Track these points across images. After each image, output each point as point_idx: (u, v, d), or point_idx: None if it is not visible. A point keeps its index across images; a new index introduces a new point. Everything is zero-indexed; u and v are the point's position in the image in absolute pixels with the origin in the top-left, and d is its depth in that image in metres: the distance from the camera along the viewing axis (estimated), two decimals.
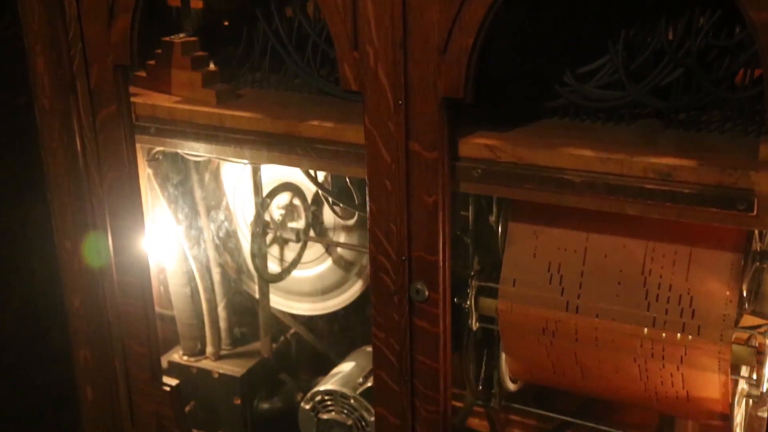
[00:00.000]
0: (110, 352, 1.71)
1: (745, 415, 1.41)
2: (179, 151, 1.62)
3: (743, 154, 1.13)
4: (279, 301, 1.98)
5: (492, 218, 1.48)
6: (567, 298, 1.38)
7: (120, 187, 1.57)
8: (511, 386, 1.60)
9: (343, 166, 1.39)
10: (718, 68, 1.20)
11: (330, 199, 1.74)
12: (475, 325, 1.50)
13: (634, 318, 1.34)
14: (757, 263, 1.31)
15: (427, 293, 1.33)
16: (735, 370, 1.32)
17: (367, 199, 1.32)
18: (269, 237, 1.86)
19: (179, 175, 1.84)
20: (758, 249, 1.32)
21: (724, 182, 1.09)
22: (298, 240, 1.83)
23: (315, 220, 1.85)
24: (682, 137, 1.23)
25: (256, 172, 1.78)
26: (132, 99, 1.53)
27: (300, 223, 1.86)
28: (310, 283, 1.94)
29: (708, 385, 1.31)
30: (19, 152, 2.11)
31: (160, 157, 1.76)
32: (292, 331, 2.06)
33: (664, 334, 1.30)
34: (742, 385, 1.35)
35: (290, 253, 1.89)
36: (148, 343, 1.69)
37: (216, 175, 1.91)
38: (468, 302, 1.48)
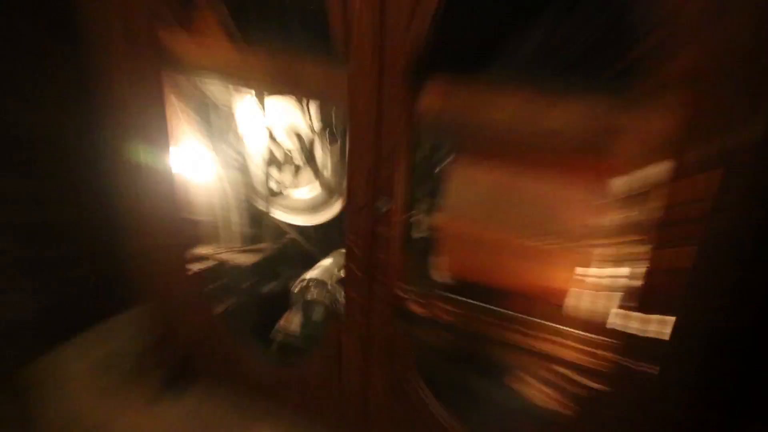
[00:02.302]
0: None
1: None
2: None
3: None
4: (280, 214, 2.10)
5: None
6: (487, 216, 1.60)
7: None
8: (445, 280, 1.78)
9: None
10: None
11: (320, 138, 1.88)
12: (420, 233, 1.75)
13: (527, 231, 1.57)
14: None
15: (386, 208, 1.53)
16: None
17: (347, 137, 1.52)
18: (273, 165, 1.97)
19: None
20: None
21: None
22: (296, 170, 1.97)
23: (309, 155, 1.95)
24: None
25: (261, 102, 1.86)
26: None
27: (297, 158, 1.96)
28: (304, 202, 2.04)
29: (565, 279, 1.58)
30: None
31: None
32: (288, 236, 2.19)
33: (543, 243, 1.58)
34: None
35: (289, 176, 1.99)
36: (176, 236, 1.90)
37: (229, 107, 1.97)
38: (415, 216, 1.71)
